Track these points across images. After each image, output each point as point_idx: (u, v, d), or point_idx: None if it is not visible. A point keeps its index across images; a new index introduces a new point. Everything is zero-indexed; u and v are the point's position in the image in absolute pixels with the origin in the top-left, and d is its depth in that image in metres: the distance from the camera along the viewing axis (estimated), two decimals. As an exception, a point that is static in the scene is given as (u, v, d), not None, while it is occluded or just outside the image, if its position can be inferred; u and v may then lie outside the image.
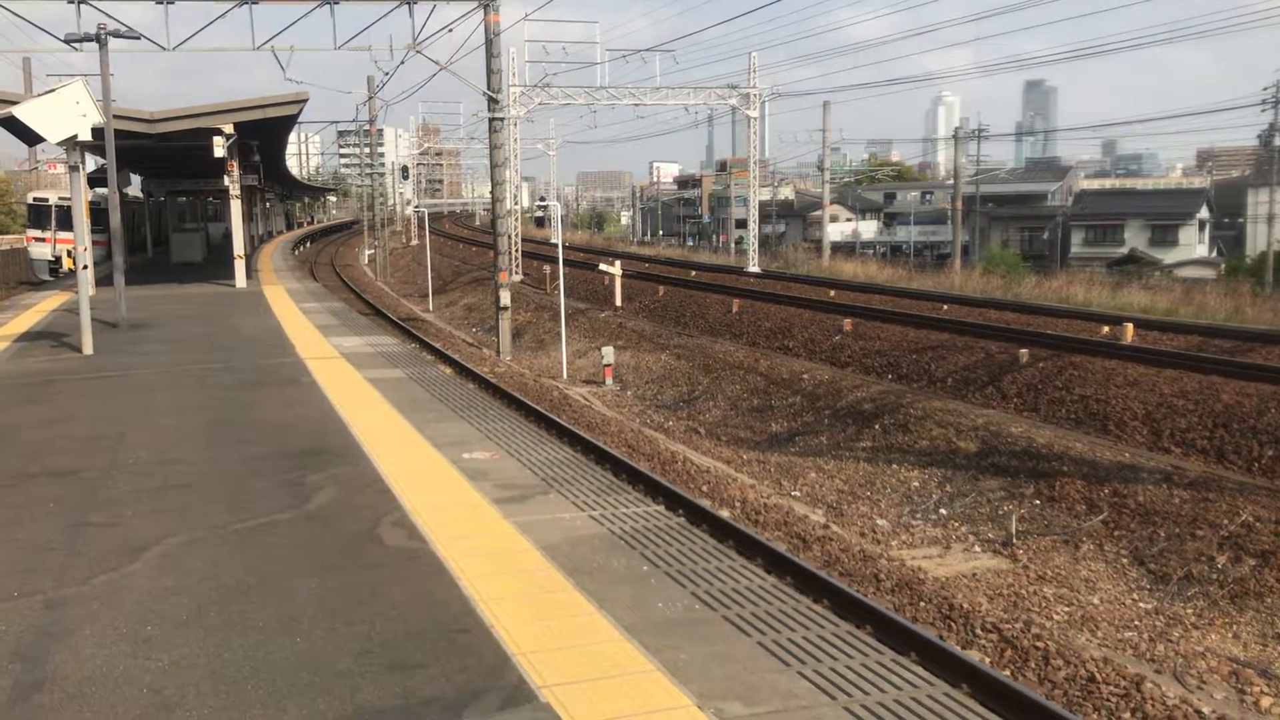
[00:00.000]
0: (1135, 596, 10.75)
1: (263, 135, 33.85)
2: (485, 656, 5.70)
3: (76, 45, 22.35)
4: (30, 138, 30.36)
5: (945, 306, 24.90)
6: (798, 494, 14.62)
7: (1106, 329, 21.02)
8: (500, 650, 5.77)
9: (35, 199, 45.17)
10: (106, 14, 23.03)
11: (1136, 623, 10.11)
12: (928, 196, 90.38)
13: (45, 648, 5.89)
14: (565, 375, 23.81)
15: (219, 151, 27.98)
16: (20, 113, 16.91)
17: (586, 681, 5.40)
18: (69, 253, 38.40)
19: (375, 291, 45.63)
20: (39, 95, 18.37)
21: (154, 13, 25.56)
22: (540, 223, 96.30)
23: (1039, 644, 8.93)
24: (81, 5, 23.52)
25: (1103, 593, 10.85)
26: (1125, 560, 11.46)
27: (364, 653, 5.76)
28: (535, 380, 22.26)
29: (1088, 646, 9.41)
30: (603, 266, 30.73)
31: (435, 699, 5.23)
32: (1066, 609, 10.44)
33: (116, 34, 22.07)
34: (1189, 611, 10.29)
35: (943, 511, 13.54)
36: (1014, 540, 12.24)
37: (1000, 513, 13.05)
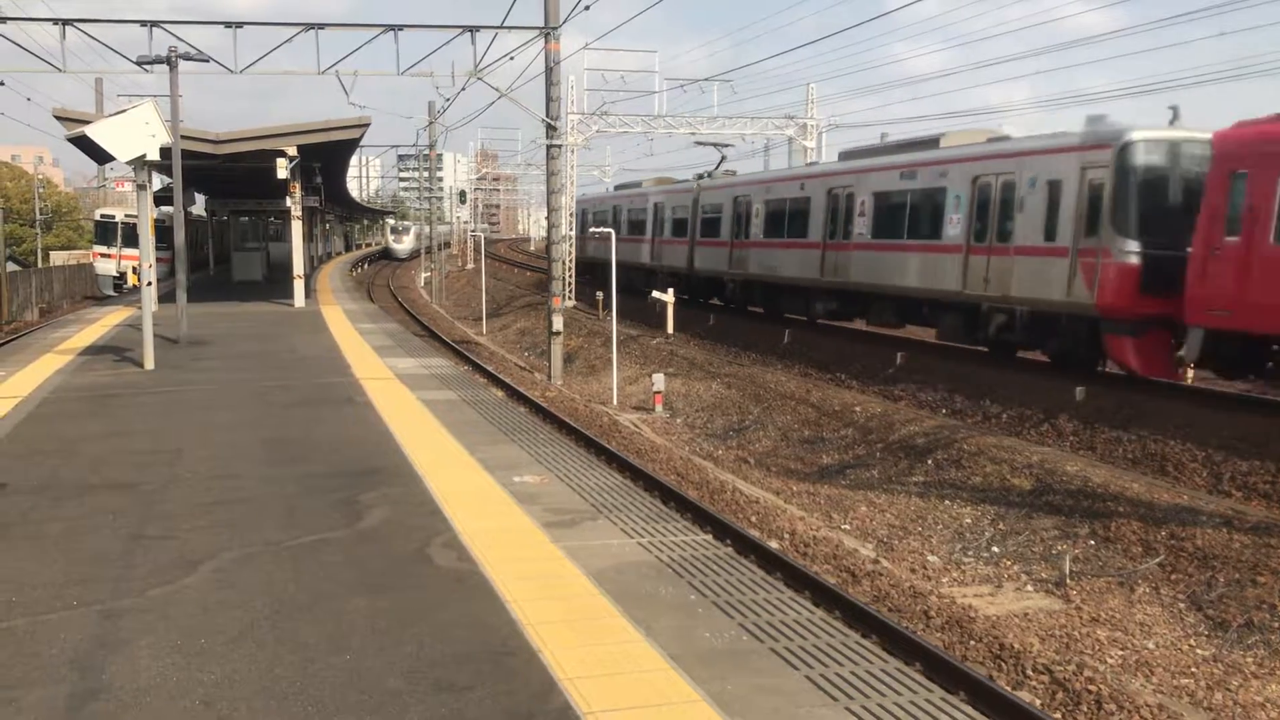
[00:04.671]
0: (1192, 642, 10.51)
1: (325, 158, 34.41)
2: (532, 681, 5.71)
3: (148, 67, 22.92)
4: (100, 156, 31.12)
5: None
6: (848, 527, 14.50)
7: None
8: (547, 675, 5.78)
9: (102, 216, 46.26)
10: (177, 37, 23.64)
11: (1194, 669, 9.88)
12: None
13: (102, 657, 5.99)
14: (615, 401, 23.85)
15: (282, 173, 28.50)
16: (92, 132, 17.37)
17: (632, 709, 5.39)
18: (134, 269, 39.22)
19: (430, 314, 46.06)
20: (110, 115, 18.86)
21: (223, 36, 26.49)
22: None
23: (1091, 687, 8.76)
24: (154, 28, 24.12)
25: (1158, 637, 10.62)
26: (1182, 605, 11.22)
27: (412, 672, 5.80)
28: (586, 405, 22.32)
29: (1142, 692, 9.21)
30: (655, 294, 30.79)
31: (482, 722, 5.25)
32: (1121, 652, 10.23)
33: (186, 56, 22.62)
34: (1249, 660, 10.04)
35: (995, 549, 13.36)
36: (1068, 580, 12.03)
37: (1054, 552, 12.84)
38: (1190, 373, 18.66)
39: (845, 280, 25.57)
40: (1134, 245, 17.19)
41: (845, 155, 27.62)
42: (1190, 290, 15.74)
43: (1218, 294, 15.37)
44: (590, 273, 42.47)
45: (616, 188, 48.58)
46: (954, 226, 21.45)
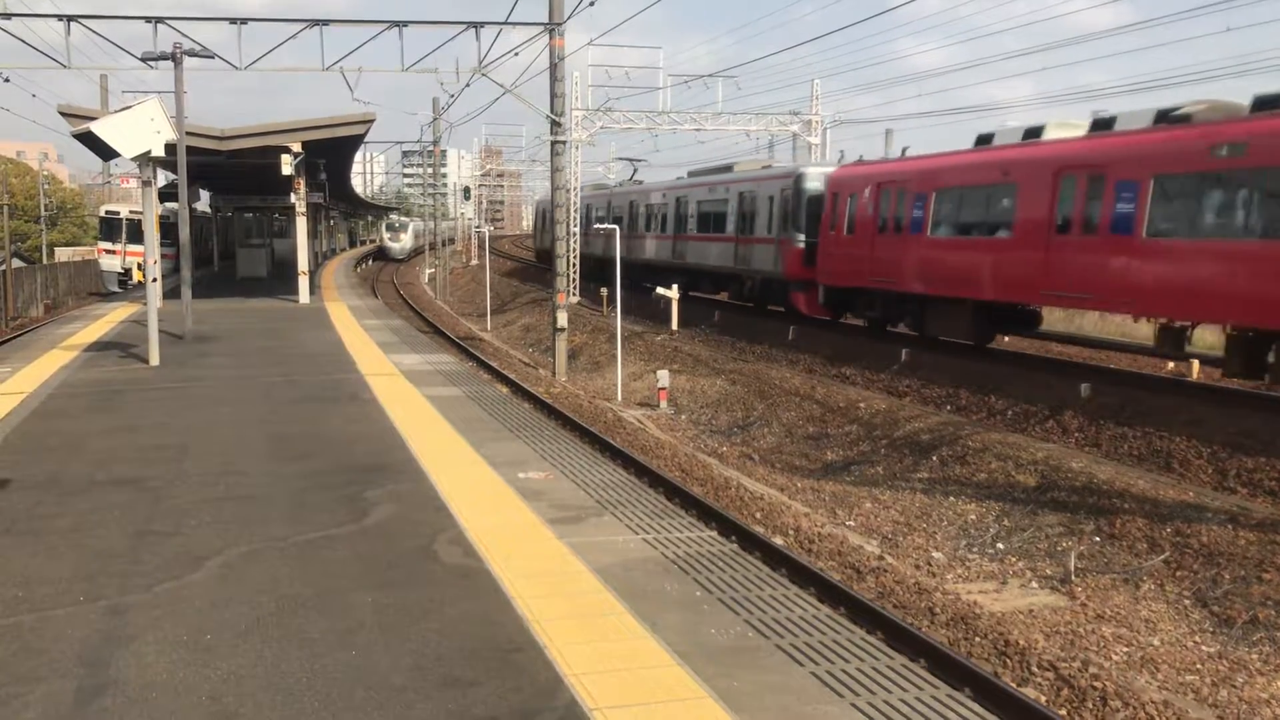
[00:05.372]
0: (1198, 639, 10.51)
1: (329, 154, 34.42)
2: (538, 677, 5.72)
3: (153, 63, 22.92)
4: (105, 152, 31.14)
5: (1006, 338, 24.61)
6: (852, 524, 14.51)
7: (1171, 365, 20.64)
8: (553, 671, 5.78)
9: (107, 212, 46.34)
10: (182, 33, 23.65)
11: (1199, 666, 9.88)
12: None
13: (109, 653, 6.01)
14: (620, 397, 23.85)
15: (286, 169, 28.50)
16: (98, 128, 17.38)
17: (638, 706, 5.40)
18: (138, 265, 39.26)
19: (435, 310, 46.09)
20: (116, 112, 18.87)
21: (227, 32, 26.19)
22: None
23: (1097, 684, 8.77)
24: (158, 25, 24.13)
25: (1163, 634, 10.62)
26: (1188, 601, 11.22)
27: (418, 669, 5.81)
28: (590, 402, 22.33)
29: (1147, 689, 9.21)
30: (660, 290, 30.79)
31: (489, 718, 5.26)
32: (1126, 649, 10.23)
33: (191, 53, 22.62)
34: (1254, 657, 10.04)
35: (1000, 546, 13.36)
36: (1073, 577, 12.03)
37: (1059, 549, 12.84)
38: (1195, 365, 19.74)
39: (685, 262, 35.66)
40: (801, 237, 27.79)
41: (691, 174, 38.27)
42: (819, 264, 26.79)
43: (828, 265, 26.47)
44: (548, 261, 50.96)
45: (594, 187, 56.53)
46: (730, 226, 32.19)
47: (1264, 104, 15.83)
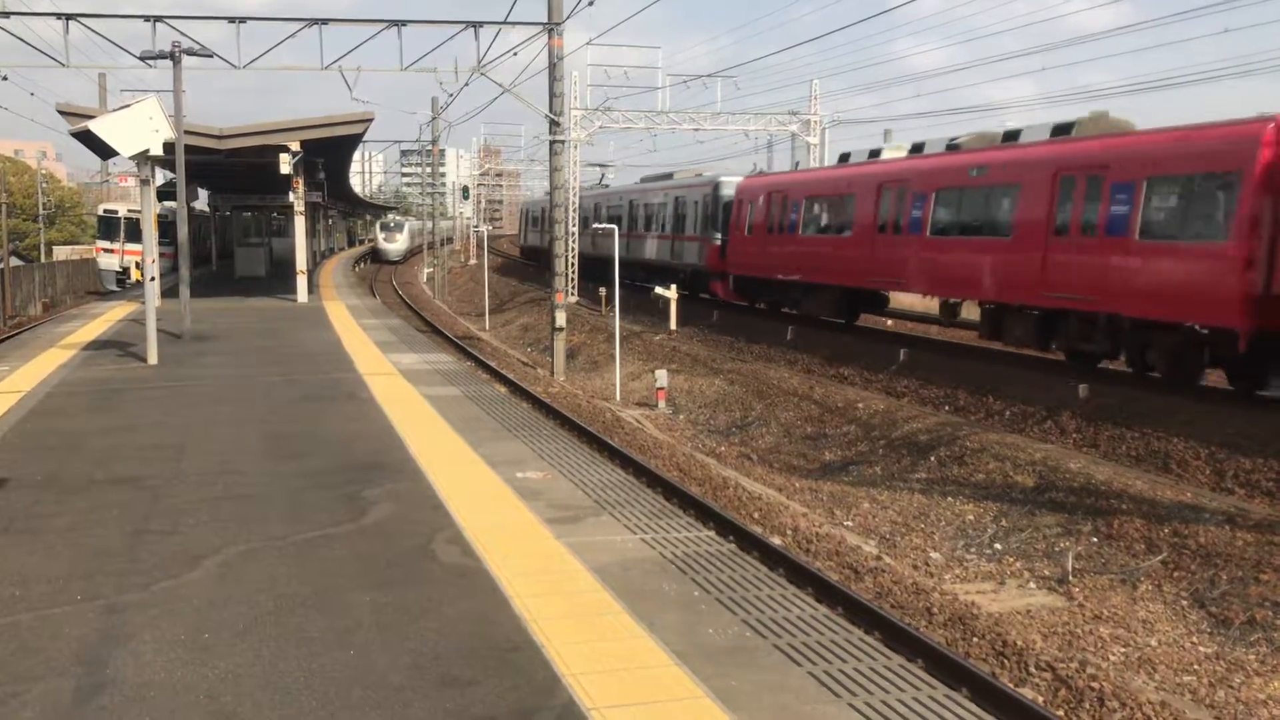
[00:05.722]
0: (1195, 640, 10.51)
1: (328, 153, 34.41)
2: (536, 676, 5.72)
3: (151, 62, 22.90)
4: (104, 151, 31.09)
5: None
6: (850, 524, 14.51)
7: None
8: (551, 670, 5.79)
9: (105, 211, 46.30)
10: (181, 32, 23.62)
11: (1196, 667, 9.88)
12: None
13: (106, 652, 6.01)
14: (618, 397, 23.86)
15: (285, 168, 28.49)
16: (96, 127, 17.37)
17: (636, 705, 5.40)
18: (137, 264, 39.26)
19: (433, 310, 46.09)
20: (114, 110, 18.86)
21: (226, 31, 26.29)
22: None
23: (1094, 684, 8.77)
24: (157, 23, 24.11)
25: (1161, 634, 10.63)
26: (1185, 602, 11.22)
27: (416, 668, 5.81)
28: (589, 401, 22.33)
29: (1145, 689, 9.22)
30: (659, 290, 30.81)
31: (486, 717, 5.26)
32: (1123, 650, 10.24)
33: (190, 52, 22.60)
34: (1252, 658, 10.04)
35: (998, 546, 13.36)
36: (1070, 578, 12.04)
37: (1056, 549, 12.85)
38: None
39: (635, 258, 39.92)
40: (718, 235, 33.25)
41: (642, 180, 44.50)
42: (729, 258, 32.43)
43: (735, 259, 32.04)
44: (532, 258, 61.63)
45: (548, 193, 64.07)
46: (668, 225, 37.58)
47: (1010, 135, 21.52)
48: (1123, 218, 17.19)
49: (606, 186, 50.94)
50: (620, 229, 39.72)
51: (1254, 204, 15.06)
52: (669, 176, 40.11)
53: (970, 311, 24.38)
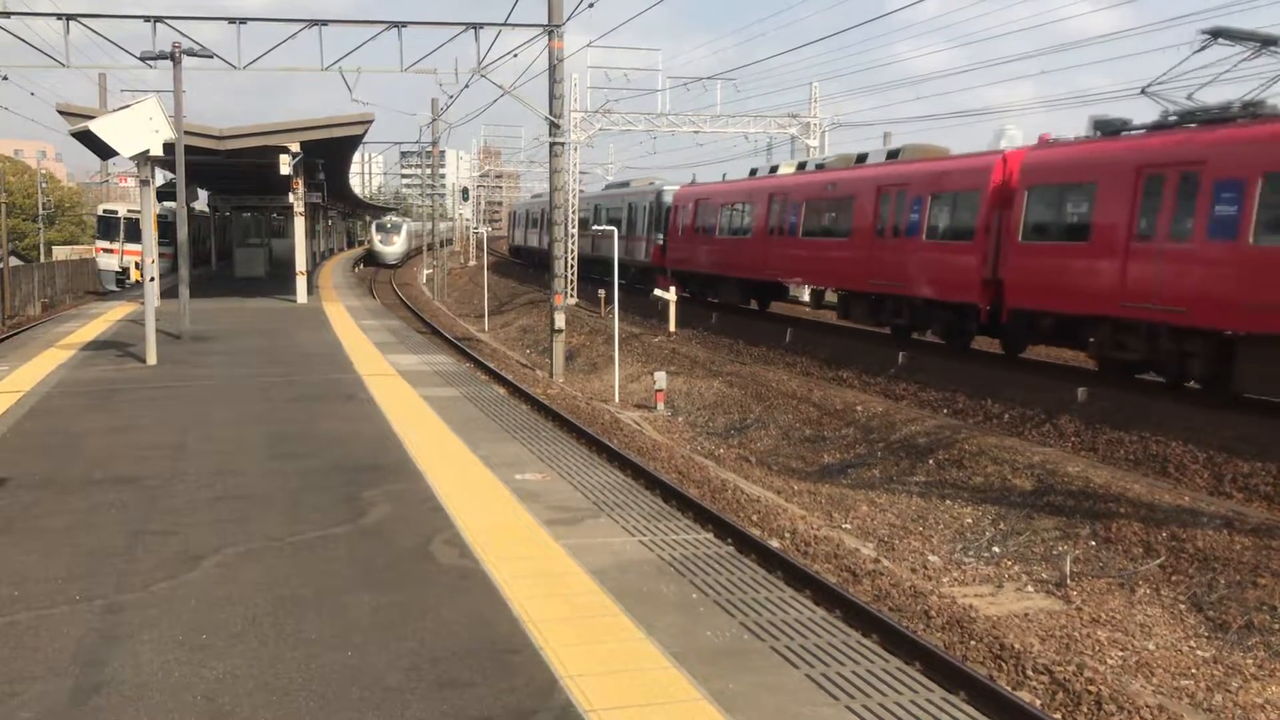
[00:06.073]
0: (1193, 644, 10.52)
1: (328, 154, 34.41)
2: (534, 678, 5.72)
3: (151, 63, 22.91)
4: (104, 151, 31.08)
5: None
6: (849, 526, 14.52)
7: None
8: (549, 672, 5.79)
9: (105, 211, 46.30)
10: (181, 32, 23.62)
11: (1194, 671, 9.89)
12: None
13: (104, 652, 6.01)
14: (617, 399, 23.86)
15: (285, 169, 28.49)
16: (96, 127, 17.36)
17: (634, 708, 5.40)
18: (136, 264, 39.26)
19: (432, 311, 46.07)
20: (114, 111, 18.85)
21: (226, 32, 26.20)
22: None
23: (1092, 688, 8.78)
24: (157, 24, 24.10)
25: (1159, 638, 10.63)
26: (1183, 606, 11.23)
27: (414, 669, 5.81)
28: (587, 403, 22.33)
29: (1142, 693, 9.23)
30: (657, 292, 30.83)
31: (484, 718, 5.26)
32: (1121, 653, 10.24)
33: (190, 52, 22.61)
34: (1249, 662, 10.05)
35: (996, 549, 13.37)
36: (1068, 581, 12.05)
37: (1054, 552, 12.86)
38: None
39: (599, 255, 41.66)
40: (660, 236, 38.49)
41: (606, 187, 52.31)
42: (668, 255, 37.49)
43: (672, 256, 37.06)
44: (518, 256, 68.35)
45: (532, 196, 73.42)
46: (623, 228, 40.62)
47: (861, 158, 26.81)
48: (915, 223, 22.85)
49: (582, 191, 55.83)
50: (584, 229, 45.21)
51: (986, 216, 20.69)
52: (627, 184, 46.77)
53: (831, 298, 29.99)
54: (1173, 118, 17.44)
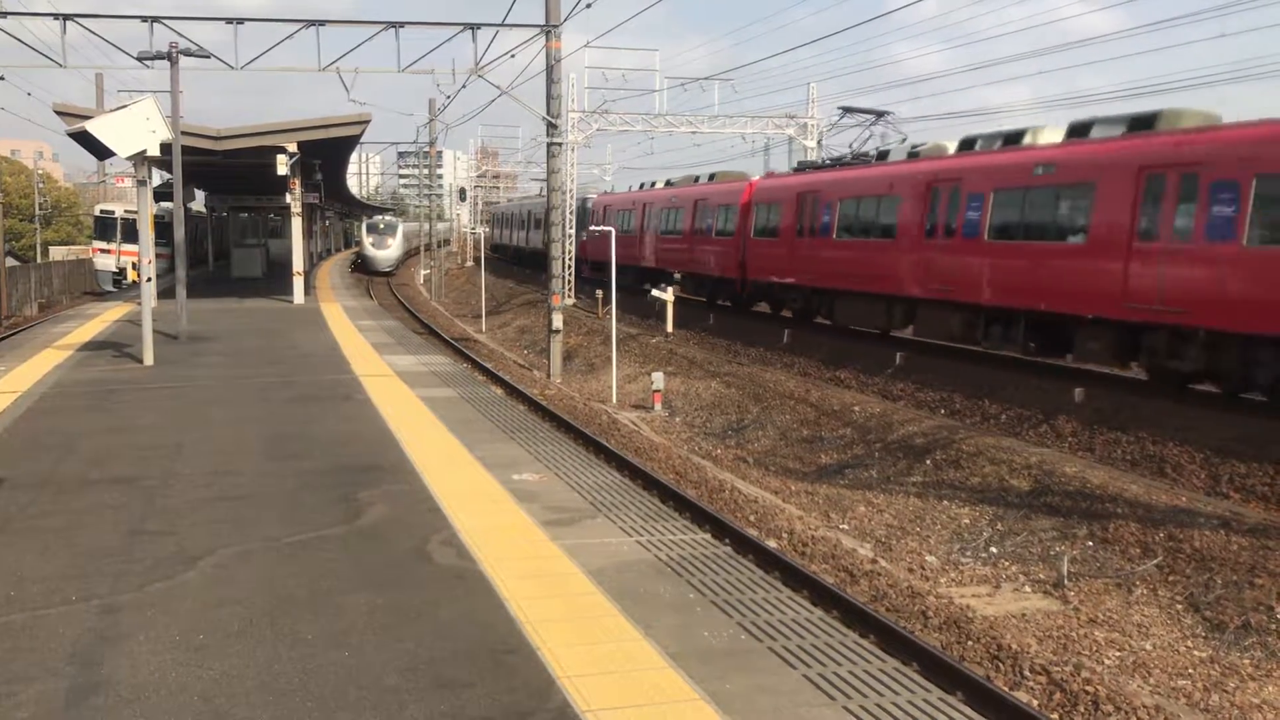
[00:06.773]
0: (1190, 644, 10.53)
1: (325, 154, 34.39)
2: (531, 679, 5.72)
3: (148, 63, 22.89)
4: (100, 152, 31.09)
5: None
6: (846, 527, 14.52)
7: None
8: (546, 673, 5.79)
9: (102, 211, 46.23)
10: (178, 33, 23.61)
11: (1191, 671, 9.90)
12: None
13: (101, 652, 6.00)
14: (615, 400, 23.85)
15: (282, 170, 28.48)
16: (93, 127, 17.35)
17: (631, 708, 5.40)
18: (133, 265, 39.19)
19: (430, 311, 46.04)
20: (111, 111, 18.84)
21: (224, 32, 26.45)
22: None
23: (1089, 688, 8.78)
24: (155, 24, 24.08)
25: (1156, 638, 10.64)
26: (1180, 606, 11.24)
27: (411, 669, 5.81)
28: (585, 404, 22.32)
29: (1139, 693, 9.23)
30: (655, 292, 30.83)
31: (481, 719, 5.26)
32: (1118, 654, 10.25)
33: (187, 53, 22.60)
34: (1246, 662, 10.06)
35: (993, 550, 13.37)
36: (1065, 581, 12.05)
37: (1052, 553, 12.86)
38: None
39: (538, 248, 48.55)
40: (583, 234, 42.73)
41: (599, 195, 55.45)
42: (587, 250, 43.91)
43: (590, 250, 43.44)
44: (496, 251, 71.16)
45: (508, 200, 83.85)
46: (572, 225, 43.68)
47: (801, 167, 33.41)
48: (708, 226, 34.14)
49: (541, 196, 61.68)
50: (535, 228, 52.61)
51: (741, 220, 31.65)
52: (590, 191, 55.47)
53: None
54: (808, 162, 32.61)
